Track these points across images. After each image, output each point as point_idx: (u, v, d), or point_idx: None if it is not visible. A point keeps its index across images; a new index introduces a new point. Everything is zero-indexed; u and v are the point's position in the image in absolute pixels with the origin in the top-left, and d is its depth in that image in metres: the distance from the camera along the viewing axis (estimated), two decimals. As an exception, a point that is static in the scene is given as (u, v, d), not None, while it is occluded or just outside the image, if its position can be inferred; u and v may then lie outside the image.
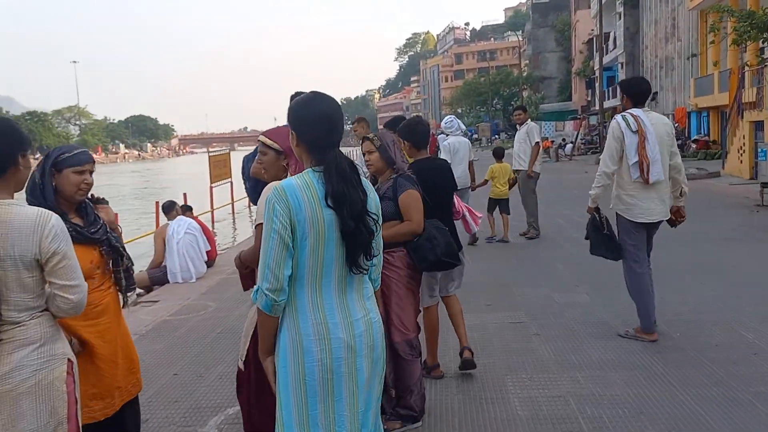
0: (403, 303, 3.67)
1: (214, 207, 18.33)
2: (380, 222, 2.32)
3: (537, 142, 9.69)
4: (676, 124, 31.21)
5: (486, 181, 9.86)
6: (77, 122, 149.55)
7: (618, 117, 4.97)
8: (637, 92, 5.01)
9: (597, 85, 49.31)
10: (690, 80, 29.62)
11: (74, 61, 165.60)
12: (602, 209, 5.17)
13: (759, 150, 11.94)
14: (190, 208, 9.99)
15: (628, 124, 4.86)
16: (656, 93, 38.11)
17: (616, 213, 5.05)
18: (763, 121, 16.07)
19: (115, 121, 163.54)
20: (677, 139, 22.27)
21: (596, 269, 6.97)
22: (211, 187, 18.44)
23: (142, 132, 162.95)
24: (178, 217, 9.10)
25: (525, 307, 6.08)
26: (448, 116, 9.71)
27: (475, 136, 63.30)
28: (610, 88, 43.44)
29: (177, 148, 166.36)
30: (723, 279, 6.76)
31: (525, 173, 9.77)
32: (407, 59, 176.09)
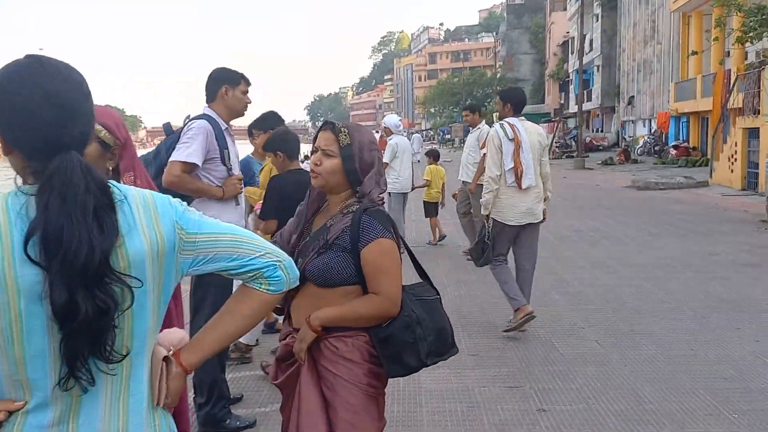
0: (358, 421, 2.11)
1: None
2: (146, 292, 1.27)
3: (484, 154, 7.22)
4: (659, 129, 30.42)
5: (428, 182, 9.49)
6: None
7: (497, 125, 5.27)
8: (519, 101, 5.35)
9: (571, 87, 49.03)
10: (670, 84, 28.77)
11: (41, 48, 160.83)
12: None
13: (767, 161, 10.77)
14: None
15: (505, 132, 5.14)
16: (632, 97, 37.45)
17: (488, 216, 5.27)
18: (758, 128, 15.03)
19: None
20: (655, 145, 21.59)
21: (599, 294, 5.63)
22: None
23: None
24: None
25: (519, 360, 4.72)
26: (392, 114, 9.16)
27: (448, 136, 62.75)
28: (586, 91, 42.87)
29: (145, 139, 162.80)
30: (763, 323, 5.48)
31: (468, 187, 8.09)
32: (381, 57, 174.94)
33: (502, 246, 5.31)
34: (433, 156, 9.94)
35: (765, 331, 5.23)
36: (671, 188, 16.92)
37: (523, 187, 5.14)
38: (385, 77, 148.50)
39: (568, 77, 50.99)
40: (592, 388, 4.16)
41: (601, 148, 37.66)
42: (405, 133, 9.04)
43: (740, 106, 16.59)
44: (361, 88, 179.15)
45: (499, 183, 5.16)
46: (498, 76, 69.94)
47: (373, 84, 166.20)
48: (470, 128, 8.53)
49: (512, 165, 5.11)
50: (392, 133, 8.79)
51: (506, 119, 5.24)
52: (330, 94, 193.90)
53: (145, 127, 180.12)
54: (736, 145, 16.18)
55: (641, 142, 32.70)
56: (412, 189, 8.82)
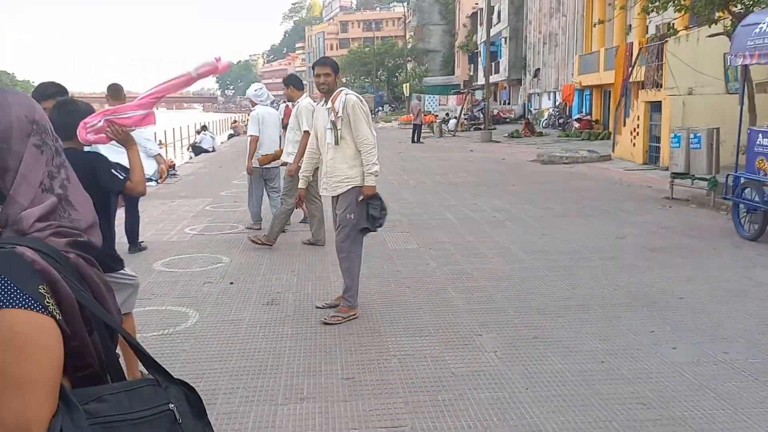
0: None
1: None
2: None
3: (306, 131, 6.91)
4: (563, 102, 30.56)
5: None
6: None
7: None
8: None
9: (480, 59, 48.93)
10: (574, 57, 28.85)
11: None
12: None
13: (672, 136, 10.42)
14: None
15: None
16: (538, 70, 37.58)
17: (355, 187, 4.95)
18: (660, 102, 14.89)
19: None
20: (559, 117, 21.54)
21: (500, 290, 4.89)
22: None
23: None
24: None
25: (403, 385, 3.87)
26: (257, 84, 8.51)
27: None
28: (494, 63, 42.78)
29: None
30: (681, 326, 4.86)
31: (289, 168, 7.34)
32: (293, 24, 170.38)
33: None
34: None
35: (680, 333, 4.62)
36: (575, 162, 16.68)
37: None
38: (297, 45, 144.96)
39: (477, 49, 50.93)
40: (486, 424, 3.36)
41: (508, 120, 37.75)
42: (268, 103, 8.37)
43: (642, 79, 16.46)
44: (272, 56, 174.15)
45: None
46: (409, 46, 69.30)
47: (284, 52, 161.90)
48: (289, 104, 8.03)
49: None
50: (255, 104, 8.18)
51: None
52: (239, 61, 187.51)
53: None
54: (638, 119, 16.05)
55: (546, 115, 32.87)
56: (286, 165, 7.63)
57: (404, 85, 53.11)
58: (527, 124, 29.24)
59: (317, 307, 5.25)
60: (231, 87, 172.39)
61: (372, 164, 4.89)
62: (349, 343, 4.51)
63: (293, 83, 7.70)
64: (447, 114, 37.50)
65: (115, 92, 6.78)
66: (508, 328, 4.75)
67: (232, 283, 6.01)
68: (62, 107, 3.33)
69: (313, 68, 5.39)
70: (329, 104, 5.00)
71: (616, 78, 20.67)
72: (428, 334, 4.63)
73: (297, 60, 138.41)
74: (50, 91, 3.73)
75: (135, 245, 7.30)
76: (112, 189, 3.36)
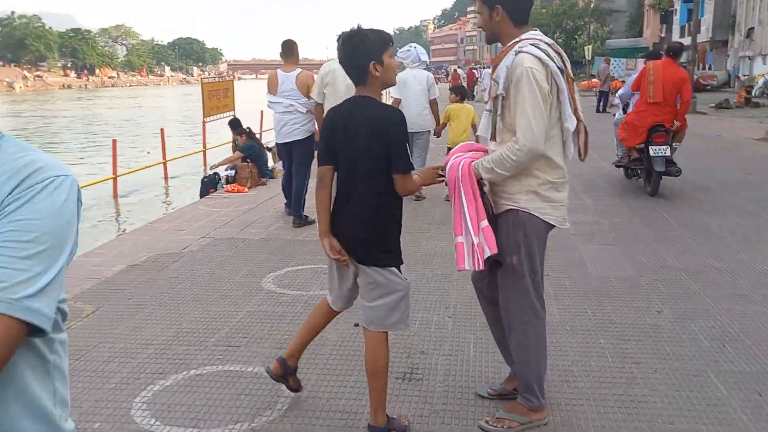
0: None
1: (207, 147, 15.50)
2: None
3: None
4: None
5: (445, 125, 8.09)
6: (123, 42, 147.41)
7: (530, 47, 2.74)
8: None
9: (675, 18, 43.25)
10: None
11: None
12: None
13: None
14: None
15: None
16: (752, 29, 31.99)
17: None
18: None
19: (164, 43, 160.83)
20: None
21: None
22: (204, 123, 14.73)
23: (189, 55, 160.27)
24: None
25: None
26: (409, 44, 8.08)
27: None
28: (690, 23, 37.22)
29: (225, 73, 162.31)
30: None
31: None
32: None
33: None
34: (458, 92, 8.22)
35: None
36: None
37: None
38: (468, 9, 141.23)
39: (672, 7, 45.10)
40: None
41: (709, 88, 32.48)
42: (419, 64, 7.83)
43: None
44: (442, 21, 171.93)
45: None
46: (591, 6, 63.96)
47: (456, 16, 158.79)
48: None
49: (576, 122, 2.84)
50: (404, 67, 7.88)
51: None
52: (411, 27, 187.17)
53: (225, 60, 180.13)
54: None
55: (760, 82, 27.73)
56: (437, 134, 8.18)
57: (585, 48, 48.45)
58: (745, 91, 24.56)
59: (479, 395, 3.23)
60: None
61: (493, 168, 2.74)
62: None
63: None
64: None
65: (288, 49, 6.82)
66: None
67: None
68: (347, 42, 2.70)
69: None
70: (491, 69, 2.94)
71: None
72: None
73: (468, 24, 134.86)
74: None
75: (299, 216, 6.73)
76: (395, 165, 2.63)
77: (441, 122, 8.04)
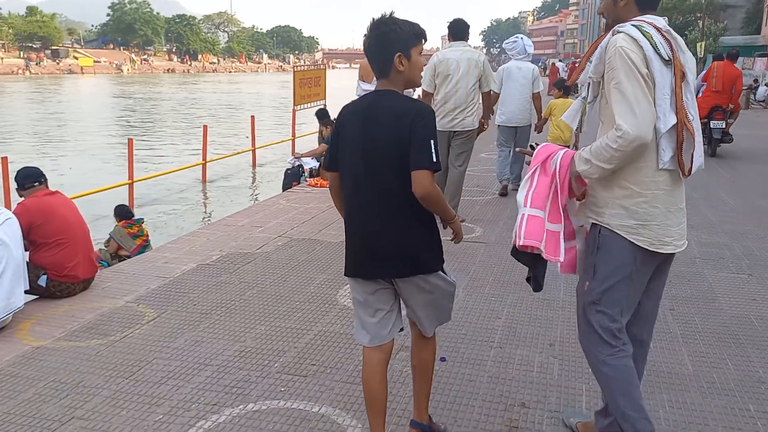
0: None
1: (296, 135, 15.86)
2: None
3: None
4: None
5: (546, 120, 7.84)
6: (226, 29, 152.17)
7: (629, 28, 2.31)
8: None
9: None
10: None
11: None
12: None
13: None
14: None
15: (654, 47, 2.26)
16: None
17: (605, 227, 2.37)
18: None
19: (263, 31, 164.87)
20: None
21: None
22: (294, 111, 14.50)
23: (286, 43, 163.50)
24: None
25: None
26: (516, 35, 7.75)
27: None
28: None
29: (321, 62, 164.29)
30: None
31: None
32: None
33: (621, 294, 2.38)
34: (560, 87, 7.82)
35: None
36: None
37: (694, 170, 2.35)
38: (570, 1, 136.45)
39: (799, 2, 41.47)
40: None
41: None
42: (524, 56, 7.48)
43: None
44: (542, 13, 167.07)
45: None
46: (703, 0, 60.19)
47: (557, 8, 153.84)
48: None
49: (674, 121, 2.26)
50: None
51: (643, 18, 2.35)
52: (508, 18, 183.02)
53: (321, 49, 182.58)
54: None
55: None
56: (537, 130, 7.93)
57: (698, 45, 45.42)
58: None
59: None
60: (497, 45, 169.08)
61: (590, 159, 2.32)
62: None
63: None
64: (755, 81, 30.66)
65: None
66: None
67: (443, 359, 3.52)
68: (376, 28, 2.36)
69: None
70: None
71: None
72: None
73: (569, 17, 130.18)
74: None
75: None
76: (416, 160, 2.23)
77: (543, 117, 7.84)
